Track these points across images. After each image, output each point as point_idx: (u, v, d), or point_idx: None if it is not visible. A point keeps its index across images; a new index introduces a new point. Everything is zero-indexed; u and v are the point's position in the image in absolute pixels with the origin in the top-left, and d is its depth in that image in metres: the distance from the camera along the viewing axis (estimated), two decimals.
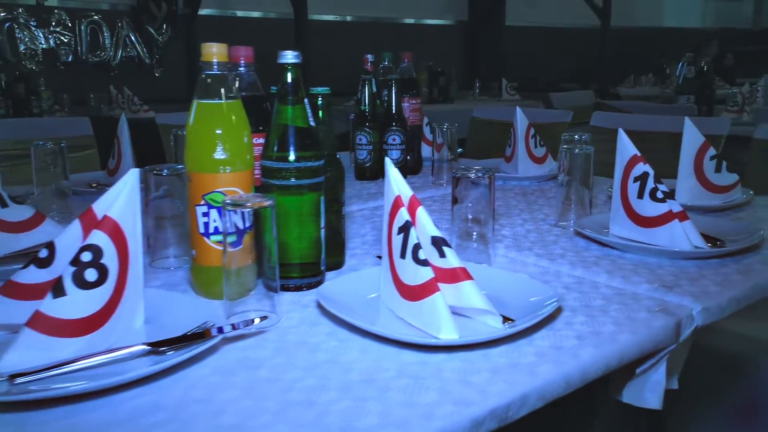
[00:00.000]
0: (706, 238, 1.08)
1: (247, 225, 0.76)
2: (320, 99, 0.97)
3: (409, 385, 0.65)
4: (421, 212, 0.80)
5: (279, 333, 0.78)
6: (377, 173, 1.79)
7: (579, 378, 0.70)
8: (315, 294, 0.85)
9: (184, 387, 0.65)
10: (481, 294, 0.77)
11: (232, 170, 0.83)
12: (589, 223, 1.20)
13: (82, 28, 5.25)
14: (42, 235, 1.03)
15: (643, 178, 1.12)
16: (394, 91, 1.77)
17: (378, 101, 1.80)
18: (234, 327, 0.72)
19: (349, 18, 6.89)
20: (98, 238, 0.67)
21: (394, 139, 1.77)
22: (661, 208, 1.09)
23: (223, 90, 0.83)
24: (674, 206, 1.09)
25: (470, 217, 1.01)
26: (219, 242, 0.85)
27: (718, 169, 1.42)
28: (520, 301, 0.83)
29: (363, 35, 6.49)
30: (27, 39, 5.01)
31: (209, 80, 0.83)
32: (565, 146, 1.26)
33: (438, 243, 0.79)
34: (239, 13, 6.21)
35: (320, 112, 0.97)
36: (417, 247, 0.76)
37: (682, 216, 1.09)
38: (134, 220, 0.71)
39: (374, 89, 1.79)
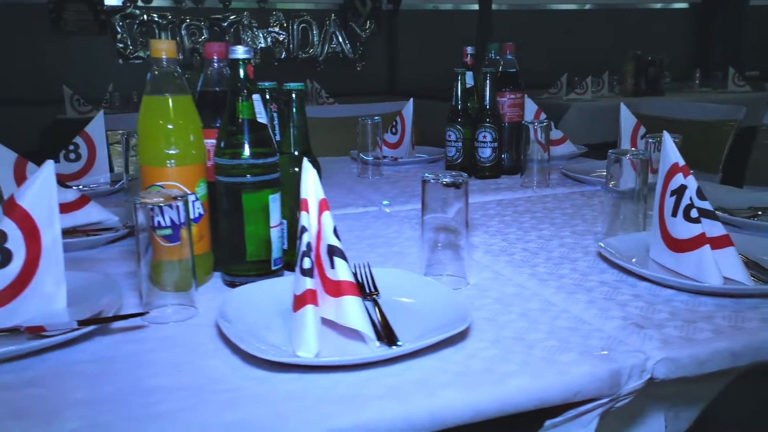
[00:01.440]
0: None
1: (170, 220, 0.79)
2: (293, 95, 0.96)
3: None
4: (325, 217, 0.76)
5: (162, 329, 0.78)
6: (469, 172, 1.70)
7: (426, 424, 0.61)
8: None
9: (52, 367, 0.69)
10: (362, 312, 0.71)
11: (176, 164, 0.86)
12: (623, 242, 1.02)
13: (294, 26, 5.73)
14: (84, 215, 1.16)
15: (679, 192, 0.92)
16: (488, 85, 1.66)
17: (475, 96, 1.71)
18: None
19: (548, 6, 6.57)
20: (5, 224, 0.74)
21: (484, 137, 1.67)
22: (693, 230, 0.89)
23: (169, 85, 0.86)
24: (712, 229, 0.89)
25: (443, 226, 0.92)
26: (159, 236, 0.88)
27: None
28: (431, 320, 0.75)
29: (559, 24, 6.15)
30: (249, 39, 5.61)
31: (156, 75, 0.86)
32: (612, 151, 1.09)
33: (331, 252, 0.74)
34: (442, 7, 6.27)
35: (293, 110, 0.96)
36: (303, 254, 0.72)
37: (718, 242, 0.88)
38: (49, 208, 0.77)
39: (469, 83, 1.71)
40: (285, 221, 0.95)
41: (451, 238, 0.92)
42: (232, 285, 0.90)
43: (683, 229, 0.91)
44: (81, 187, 1.51)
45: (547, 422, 0.68)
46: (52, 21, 5.06)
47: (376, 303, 0.81)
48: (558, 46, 5.96)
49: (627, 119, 1.54)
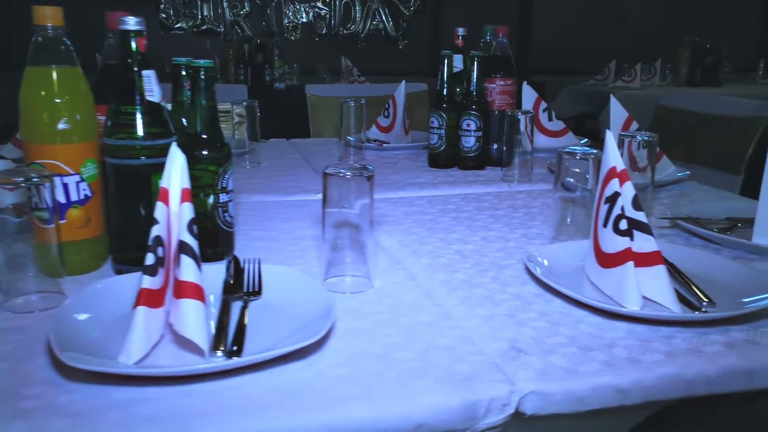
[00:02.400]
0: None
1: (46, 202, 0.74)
2: (201, 73, 0.89)
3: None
4: (185, 209, 0.69)
5: (21, 318, 0.74)
6: (452, 161, 1.61)
7: None
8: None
9: None
10: (198, 318, 0.64)
11: (60, 142, 0.81)
12: (562, 250, 0.93)
13: (337, 2, 5.65)
14: None
15: (612, 200, 0.82)
16: (474, 70, 1.56)
17: (464, 81, 1.61)
18: None
19: None
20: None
21: (468, 125, 1.57)
22: (619, 244, 0.79)
23: (55, 56, 0.81)
24: (644, 244, 0.79)
25: (347, 221, 0.84)
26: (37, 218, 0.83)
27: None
28: (294, 326, 0.68)
29: (610, 7, 5.85)
30: (290, 13, 5.57)
31: (40, 44, 0.81)
32: (561, 149, 0.99)
33: (180, 249, 0.67)
34: None
35: (202, 90, 0.89)
36: (148, 249, 0.66)
37: (646, 259, 0.78)
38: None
39: (458, 67, 1.61)
40: None
41: (356, 237, 0.85)
42: (119, 273, 0.85)
43: (611, 242, 0.80)
44: None
45: None
46: None
47: (245, 305, 0.75)
48: (608, 30, 5.69)
49: (617, 113, 1.42)
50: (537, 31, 5.74)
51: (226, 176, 0.91)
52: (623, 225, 0.79)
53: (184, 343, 0.65)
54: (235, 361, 0.62)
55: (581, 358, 0.66)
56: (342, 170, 0.82)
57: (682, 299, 0.78)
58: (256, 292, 0.79)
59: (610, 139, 0.86)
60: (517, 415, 0.61)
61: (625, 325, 0.73)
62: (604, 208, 0.83)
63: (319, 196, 1.29)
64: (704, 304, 0.77)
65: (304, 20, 5.60)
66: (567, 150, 0.99)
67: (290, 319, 0.72)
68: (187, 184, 0.71)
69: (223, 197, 0.91)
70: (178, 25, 5.35)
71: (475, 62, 1.56)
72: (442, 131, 1.60)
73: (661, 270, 0.78)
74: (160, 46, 5.01)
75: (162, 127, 0.84)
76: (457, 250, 0.99)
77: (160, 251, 0.66)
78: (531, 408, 0.61)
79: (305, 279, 0.81)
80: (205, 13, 5.36)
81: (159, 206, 0.68)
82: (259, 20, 5.46)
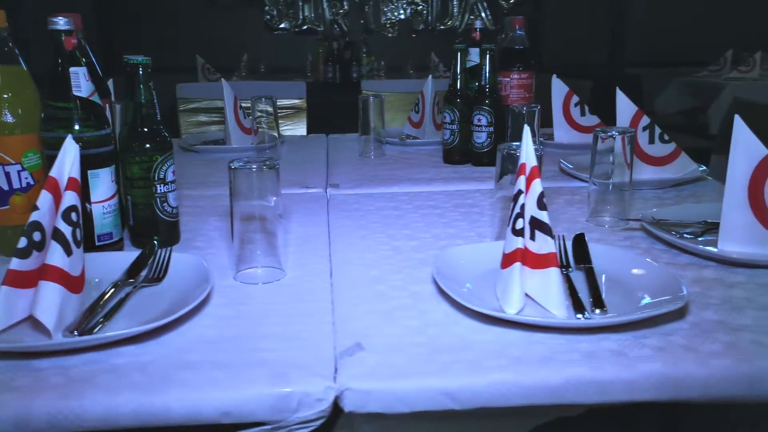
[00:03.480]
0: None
1: None
2: (140, 69, 0.94)
3: None
4: (68, 196, 0.73)
5: None
6: (465, 158, 1.58)
7: None
8: None
9: None
10: (50, 300, 0.68)
11: (2, 134, 0.89)
12: (480, 251, 0.89)
13: None
14: None
15: (516, 199, 0.78)
16: (487, 63, 1.52)
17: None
18: None
19: None
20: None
21: (479, 120, 1.53)
22: (513, 244, 0.75)
23: None
24: (541, 245, 0.74)
25: (254, 214, 0.86)
26: None
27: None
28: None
29: None
30: (387, 10, 5.63)
31: None
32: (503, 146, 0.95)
33: (52, 235, 0.71)
34: None
35: (141, 86, 0.94)
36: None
37: (539, 261, 0.74)
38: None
39: (473, 61, 1.57)
40: (130, 197, 0.96)
41: (266, 228, 0.86)
42: None
43: (508, 242, 0.76)
44: None
45: None
46: None
47: (133, 290, 0.79)
48: (725, 17, 5.24)
49: (624, 107, 1.32)
50: (634, 19, 5.40)
51: (165, 167, 0.96)
52: (519, 224, 0.75)
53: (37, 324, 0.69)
54: (76, 340, 0.66)
55: (424, 359, 0.64)
56: (248, 164, 0.84)
57: (578, 304, 0.73)
58: (158, 278, 0.82)
59: (527, 134, 0.81)
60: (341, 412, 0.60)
61: (498, 330, 0.70)
62: (510, 206, 0.79)
63: (312, 189, 1.33)
64: (592, 312, 0.71)
65: (402, 17, 5.64)
66: (507, 146, 0.94)
67: (165, 304, 0.75)
68: (75, 174, 0.76)
69: (161, 188, 0.96)
70: (281, 25, 5.58)
71: (487, 55, 1.51)
72: (455, 126, 1.57)
73: (553, 273, 0.73)
74: (263, 46, 5.28)
75: (89, 120, 0.89)
76: (395, 246, 0.98)
77: (36, 236, 0.71)
78: (349, 405, 0.60)
79: (203, 268, 0.83)
80: (306, 14, 5.54)
81: (42, 194, 0.73)
82: (358, 18, 5.57)
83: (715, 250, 0.88)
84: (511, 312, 0.70)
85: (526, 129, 0.82)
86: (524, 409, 0.62)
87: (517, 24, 1.56)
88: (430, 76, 1.85)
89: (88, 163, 0.89)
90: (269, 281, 0.85)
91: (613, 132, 1.05)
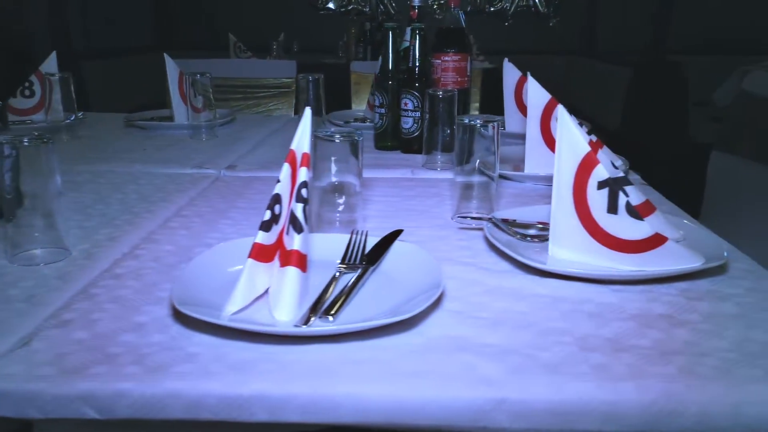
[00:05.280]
0: None
1: None
2: None
3: None
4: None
5: None
6: (395, 144, 1.50)
7: None
8: None
9: None
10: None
11: None
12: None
13: None
14: None
15: (276, 189, 0.71)
16: (417, 43, 1.43)
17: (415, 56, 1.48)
18: None
19: None
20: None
21: (405, 104, 1.44)
22: (261, 237, 0.69)
23: None
24: (290, 240, 0.68)
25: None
26: None
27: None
28: None
29: None
30: None
31: None
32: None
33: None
34: None
35: None
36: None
37: (292, 259, 0.67)
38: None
39: (406, 41, 1.49)
40: None
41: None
42: None
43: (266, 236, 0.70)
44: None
45: None
46: None
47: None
48: None
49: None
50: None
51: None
52: (267, 216, 0.69)
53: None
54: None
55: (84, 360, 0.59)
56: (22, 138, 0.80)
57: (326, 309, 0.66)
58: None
59: (306, 119, 0.75)
60: None
61: (207, 337, 0.64)
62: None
63: (204, 170, 1.29)
64: (321, 318, 0.64)
65: None
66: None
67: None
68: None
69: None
70: (327, 5, 5.55)
71: (418, 36, 1.43)
72: (383, 110, 1.49)
73: (289, 272, 0.66)
74: (309, 25, 5.29)
75: None
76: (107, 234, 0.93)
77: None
78: None
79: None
80: None
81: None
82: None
83: (521, 258, 0.78)
84: (283, 320, 0.65)
85: (304, 114, 0.75)
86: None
87: (451, 3, 1.46)
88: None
89: None
90: (51, 262, 0.82)
91: (476, 120, 0.96)
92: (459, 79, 1.47)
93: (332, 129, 0.91)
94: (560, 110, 0.79)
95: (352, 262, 0.77)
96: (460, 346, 0.61)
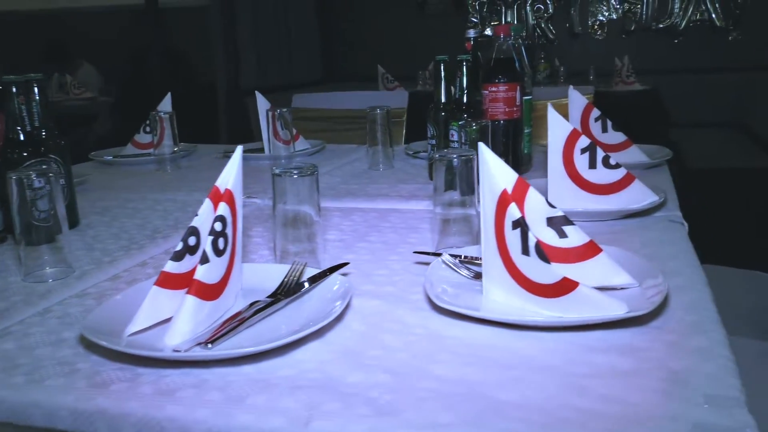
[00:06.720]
0: None
1: None
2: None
3: None
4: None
5: None
6: None
7: None
8: None
9: None
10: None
11: None
12: None
13: None
14: None
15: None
16: (464, 75, 1.43)
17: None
18: None
19: None
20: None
21: (452, 135, 1.44)
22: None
23: None
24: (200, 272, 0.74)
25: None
26: None
27: None
28: None
29: None
30: (596, 10, 5.27)
31: None
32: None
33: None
34: None
35: None
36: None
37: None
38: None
39: (461, 73, 1.48)
40: None
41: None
42: None
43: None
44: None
45: None
46: (417, 6, 5.71)
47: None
48: None
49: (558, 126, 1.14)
50: None
51: None
52: (192, 241, 0.75)
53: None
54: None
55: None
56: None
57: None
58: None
59: (236, 155, 0.80)
60: None
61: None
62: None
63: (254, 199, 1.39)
64: (205, 346, 0.69)
65: (614, 17, 5.24)
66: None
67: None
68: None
69: None
70: (483, 32, 5.56)
71: (464, 67, 1.43)
72: (434, 141, 1.50)
73: (188, 300, 0.72)
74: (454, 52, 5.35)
75: None
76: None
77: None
78: None
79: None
80: (509, 18, 5.46)
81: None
82: (563, 21, 5.31)
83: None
84: (172, 344, 0.70)
85: (239, 150, 0.81)
86: None
87: (501, 32, 1.43)
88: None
89: None
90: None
91: (453, 156, 0.95)
92: (508, 110, 1.43)
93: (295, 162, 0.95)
94: (481, 147, 0.77)
95: (278, 292, 0.81)
96: (325, 385, 0.63)
